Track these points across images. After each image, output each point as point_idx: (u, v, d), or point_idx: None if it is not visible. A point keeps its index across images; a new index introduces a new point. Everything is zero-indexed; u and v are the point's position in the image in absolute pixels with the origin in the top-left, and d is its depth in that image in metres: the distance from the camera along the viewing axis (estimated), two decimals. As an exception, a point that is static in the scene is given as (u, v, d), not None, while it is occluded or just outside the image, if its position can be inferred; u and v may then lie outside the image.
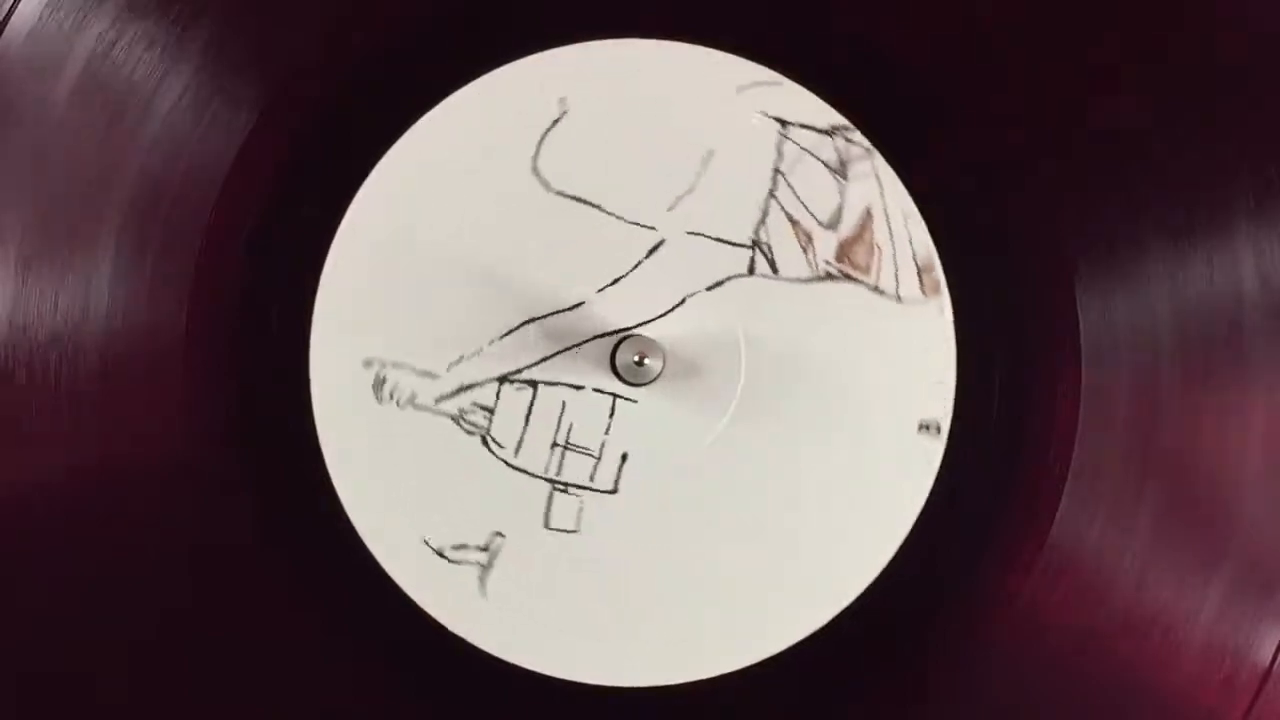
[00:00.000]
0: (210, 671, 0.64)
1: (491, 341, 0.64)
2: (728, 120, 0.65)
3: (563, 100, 0.64)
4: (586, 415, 0.64)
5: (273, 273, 0.64)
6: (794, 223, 0.64)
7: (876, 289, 0.65)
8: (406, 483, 0.64)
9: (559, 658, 0.64)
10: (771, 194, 0.64)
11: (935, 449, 0.65)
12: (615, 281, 0.64)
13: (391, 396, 0.64)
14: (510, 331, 0.64)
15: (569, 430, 0.64)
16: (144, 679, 0.64)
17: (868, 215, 0.64)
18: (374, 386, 0.64)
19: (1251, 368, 0.65)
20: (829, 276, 0.64)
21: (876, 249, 0.64)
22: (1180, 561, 0.65)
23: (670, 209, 0.64)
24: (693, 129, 0.65)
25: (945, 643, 0.65)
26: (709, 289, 0.65)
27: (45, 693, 0.64)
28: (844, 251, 0.64)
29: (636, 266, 0.64)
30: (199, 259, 0.64)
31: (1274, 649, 0.65)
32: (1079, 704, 0.65)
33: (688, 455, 0.64)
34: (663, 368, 0.64)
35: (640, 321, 0.64)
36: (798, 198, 0.64)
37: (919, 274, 0.64)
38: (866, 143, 0.64)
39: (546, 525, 0.64)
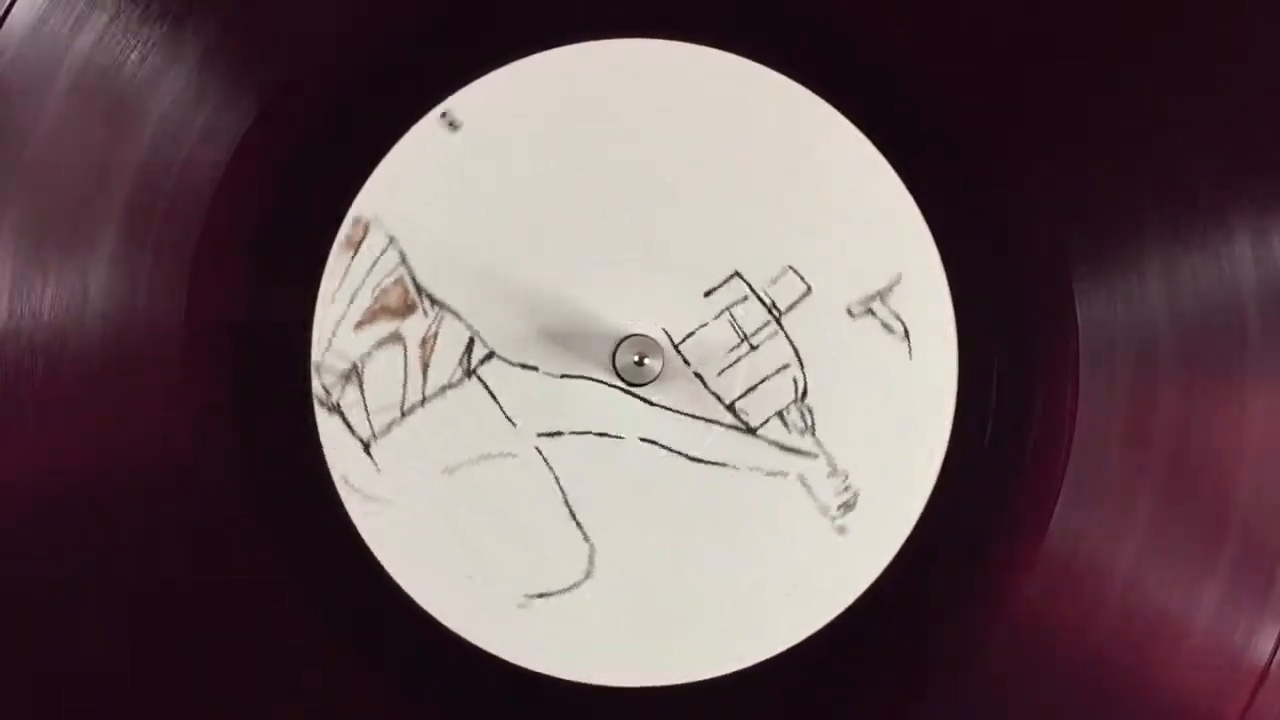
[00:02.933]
0: (210, 671, 0.64)
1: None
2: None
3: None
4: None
5: (272, 273, 0.64)
6: None
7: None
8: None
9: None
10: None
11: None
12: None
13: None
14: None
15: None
16: (144, 678, 0.64)
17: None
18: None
19: (1250, 368, 0.65)
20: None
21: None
22: (1178, 561, 0.65)
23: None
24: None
25: (945, 643, 0.65)
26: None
27: (45, 692, 0.64)
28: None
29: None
30: (197, 258, 0.64)
31: (1271, 648, 0.65)
32: (1078, 704, 0.65)
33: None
34: (663, 367, 0.64)
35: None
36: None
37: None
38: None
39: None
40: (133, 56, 0.64)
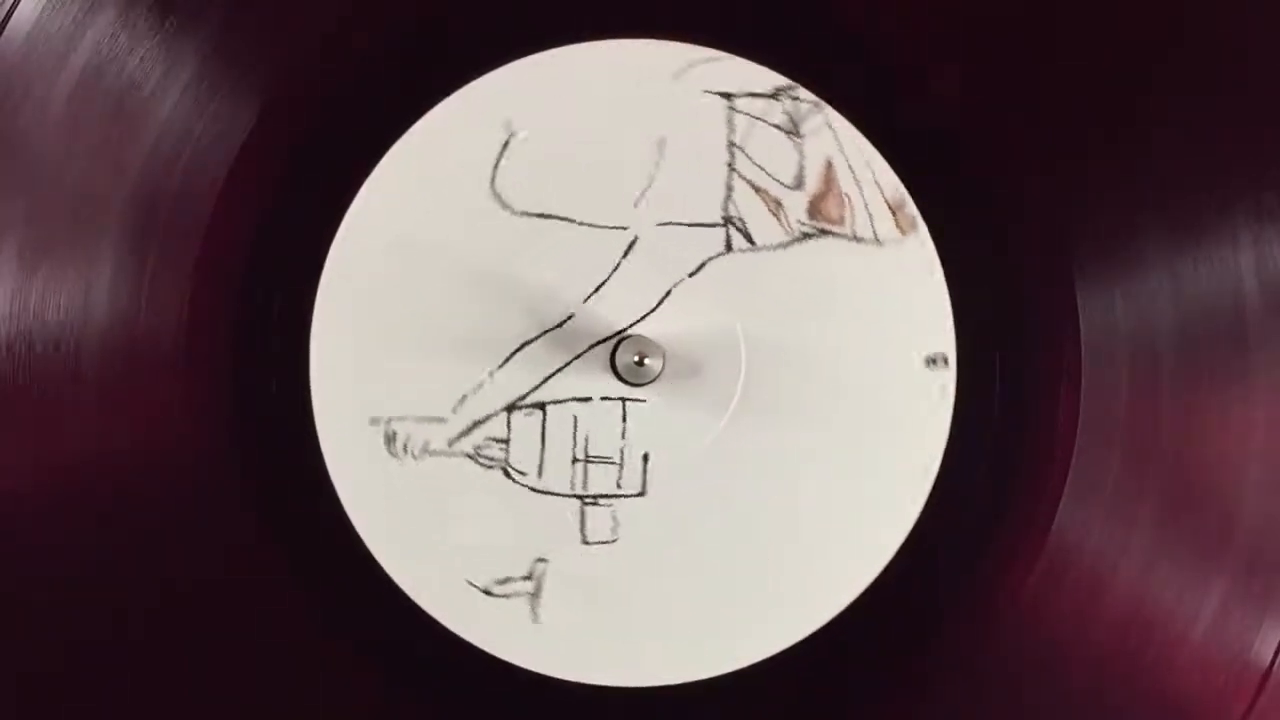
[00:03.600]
0: (210, 671, 0.64)
1: (490, 372, 0.64)
2: (674, 106, 0.65)
3: (508, 121, 0.64)
4: (600, 425, 0.64)
5: (273, 273, 0.64)
6: (759, 191, 0.64)
7: (854, 237, 0.64)
8: (435, 529, 0.64)
9: (559, 659, 0.64)
10: (731, 168, 0.64)
11: (936, 449, 0.65)
12: (599, 288, 0.64)
13: (405, 449, 0.64)
14: (507, 359, 0.64)
15: (586, 443, 0.64)
16: (144, 678, 0.64)
17: (829, 167, 0.64)
18: (386, 442, 0.64)
19: (1252, 367, 0.65)
20: (805, 236, 0.64)
21: (846, 199, 0.64)
22: (1180, 561, 0.65)
23: (636, 205, 0.64)
24: (641, 122, 0.64)
25: (945, 642, 0.65)
26: (691, 275, 0.65)
27: (45, 691, 0.64)
28: (815, 208, 0.64)
29: (616, 269, 0.64)
30: (199, 259, 0.64)
31: (1274, 649, 0.65)
32: (1078, 704, 0.65)
33: (688, 455, 0.64)
34: (663, 367, 0.64)
35: (632, 320, 0.64)
36: (758, 166, 0.64)
37: (893, 214, 0.64)
38: (813, 97, 0.64)
39: (584, 541, 0.64)
40: (135, 59, 0.64)
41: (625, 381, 0.64)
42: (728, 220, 0.64)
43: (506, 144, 0.64)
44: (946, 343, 0.65)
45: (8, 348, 0.63)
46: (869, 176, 0.64)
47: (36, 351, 0.63)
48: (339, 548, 0.64)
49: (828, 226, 0.64)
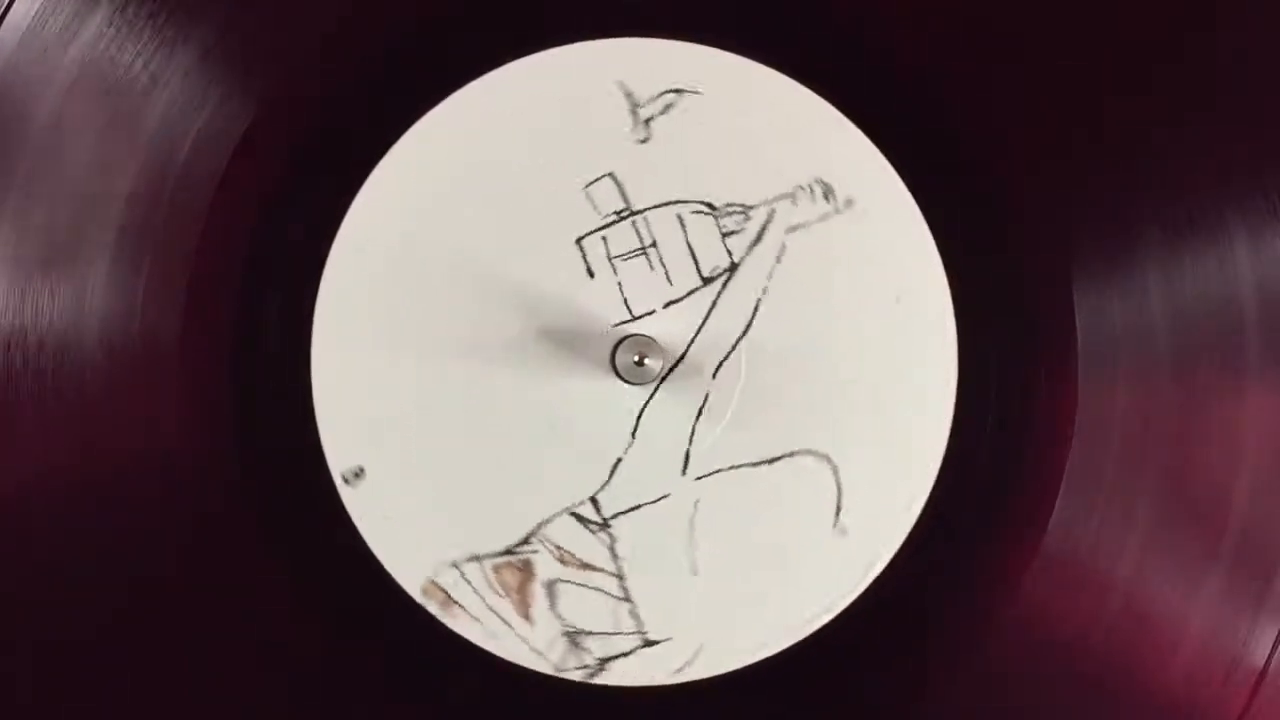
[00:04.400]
0: (209, 670, 0.64)
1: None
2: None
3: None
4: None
5: (272, 273, 0.64)
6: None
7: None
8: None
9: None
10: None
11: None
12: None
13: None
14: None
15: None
16: (144, 678, 0.64)
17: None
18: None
19: (1248, 367, 0.65)
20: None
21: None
22: (1177, 560, 0.65)
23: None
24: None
25: (945, 642, 0.65)
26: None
27: (45, 691, 0.64)
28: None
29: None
30: (197, 259, 0.64)
31: (1269, 648, 0.65)
32: (1076, 703, 0.65)
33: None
34: (662, 367, 0.64)
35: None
36: None
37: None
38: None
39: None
40: (131, 58, 0.64)
41: (625, 381, 0.64)
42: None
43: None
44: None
45: (5, 349, 0.63)
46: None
47: (33, 352, 0.63)
48: (339, 547, 0.64)
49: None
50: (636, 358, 0.63)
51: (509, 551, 0.64)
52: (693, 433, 0.65)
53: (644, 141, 0.65)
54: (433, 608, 0.64)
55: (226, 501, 0.64)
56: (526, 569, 0.64)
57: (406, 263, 0.64)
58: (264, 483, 0.64)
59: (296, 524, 0.64)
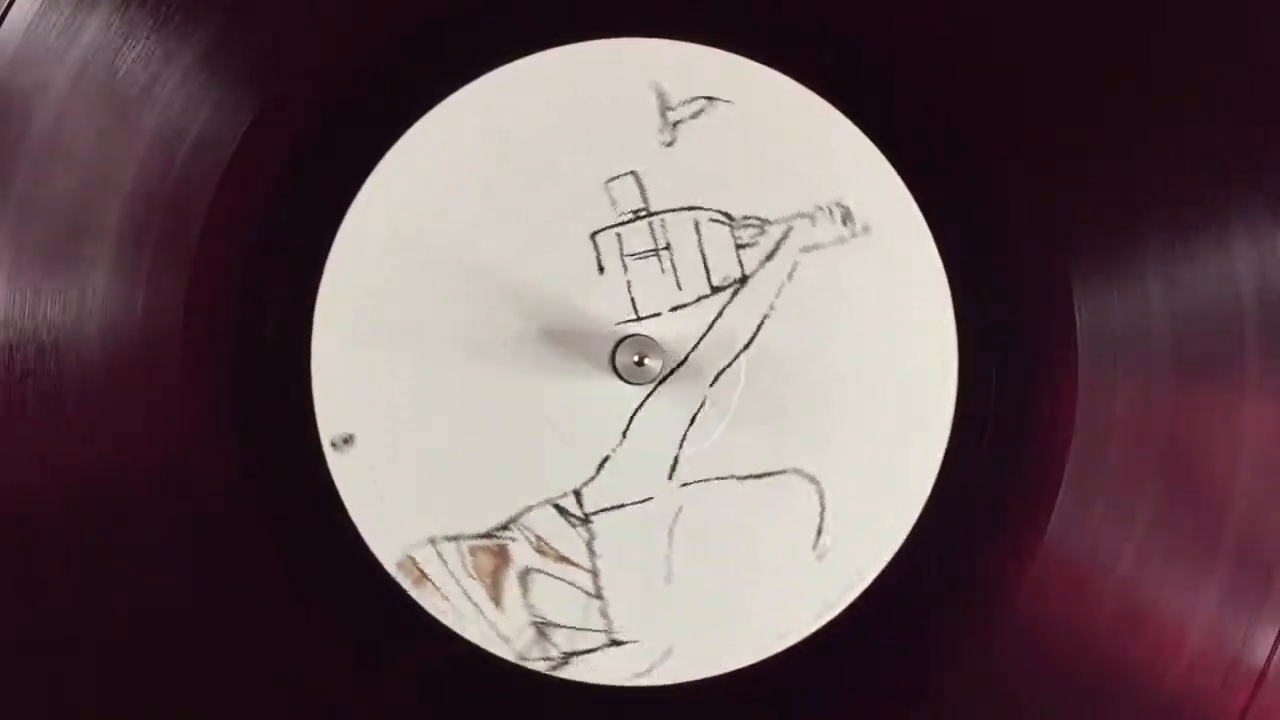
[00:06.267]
0: (209, 670, 0.64)
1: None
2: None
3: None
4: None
5: (273, 273, 0.64)
6: None
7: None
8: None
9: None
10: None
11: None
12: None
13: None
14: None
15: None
16: (144, 677, 0.64)
17: None
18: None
19: (1248, 366, 0.65)
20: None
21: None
22: (1177, 560, 0.65)
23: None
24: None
25: (944, 642, 0.65)
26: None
27: (44, 691, 0.64)
28: None
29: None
30: (197, 258, 0.64)
31: (1270, 647, 0.65)
32: (1076, 702, 0.65)
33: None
34: (662, 369, 0.64)
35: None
36: None
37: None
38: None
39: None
40: (131, 57, 0.64)
41: (624, 380, 0.64)
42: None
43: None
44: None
45: (5, 349, 0.63)
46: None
47: (34, 352, 0.63)
48: (339, 547, 0.64)
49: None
50: (636, 358, 0.63)
51: (488, 535, 0.64)
52: (684, 439, 0.65)
53: (670, 145, 0.65)
54: (406, 583, 0.64)
55: (226, 501, 0.64)
56: (502, 555, 0.64)
57: (408, 261, 0.64)
58: (264, 483, 0.64)
59: (296, 524, 0.64)
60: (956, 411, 0.65)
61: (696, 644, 0.64)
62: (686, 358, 0.65)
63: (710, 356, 0.65)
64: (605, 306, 0.64)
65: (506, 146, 0.64)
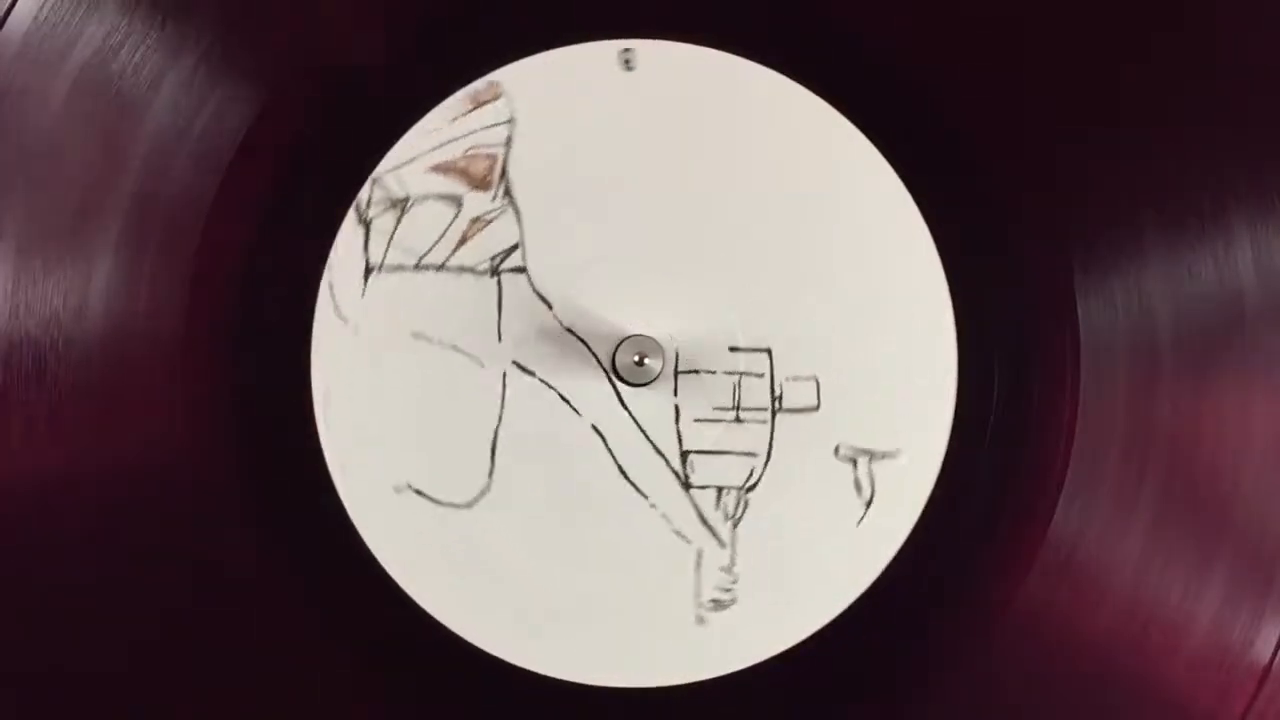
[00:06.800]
0: (210, 670, 0.64)
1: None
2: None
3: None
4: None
5: (273, 273, 0.64)
6: None
7: None
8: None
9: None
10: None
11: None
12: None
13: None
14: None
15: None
16: (144, 679, 0.64)
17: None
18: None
19: (1250, 367, 0.65)
20: None
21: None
22: (1179, 561, 0.65)
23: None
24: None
25: (945, 643, 0.65)
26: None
27: (44, 691, 0.64)
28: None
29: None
30: (198, 258, 0.64)
31: (1272, 648, 0.65)
32: (1077, 704, 0.65)
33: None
34: (663, 368, 0.64)
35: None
36: None
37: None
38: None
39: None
40: (134, 56, 0.64)
41: (625, 381, 0.64)
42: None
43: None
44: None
45: (6, 348, 0.63)
46: None
47: (34, 352, 0.63)
48: (339, 547, 0.64)
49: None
50: (636, 358, 0.64)
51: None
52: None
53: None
54: None
55: (226, 501, 0.64)
56: None
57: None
58: (264, 483, 0.64)
59: (296, 524, 0.64)
60: (956, 411, 0.65)
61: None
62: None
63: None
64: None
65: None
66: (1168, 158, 0.66)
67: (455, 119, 0.64)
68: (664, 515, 0.64)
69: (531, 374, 0.64)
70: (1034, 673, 0.65)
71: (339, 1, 0.65)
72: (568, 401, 0.64)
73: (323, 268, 0.64)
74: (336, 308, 0.64)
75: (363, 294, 0.64)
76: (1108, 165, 0.66)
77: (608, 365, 0.64)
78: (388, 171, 0.64)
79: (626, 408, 0.64)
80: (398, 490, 0.64)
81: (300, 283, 0.64)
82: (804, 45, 0.65)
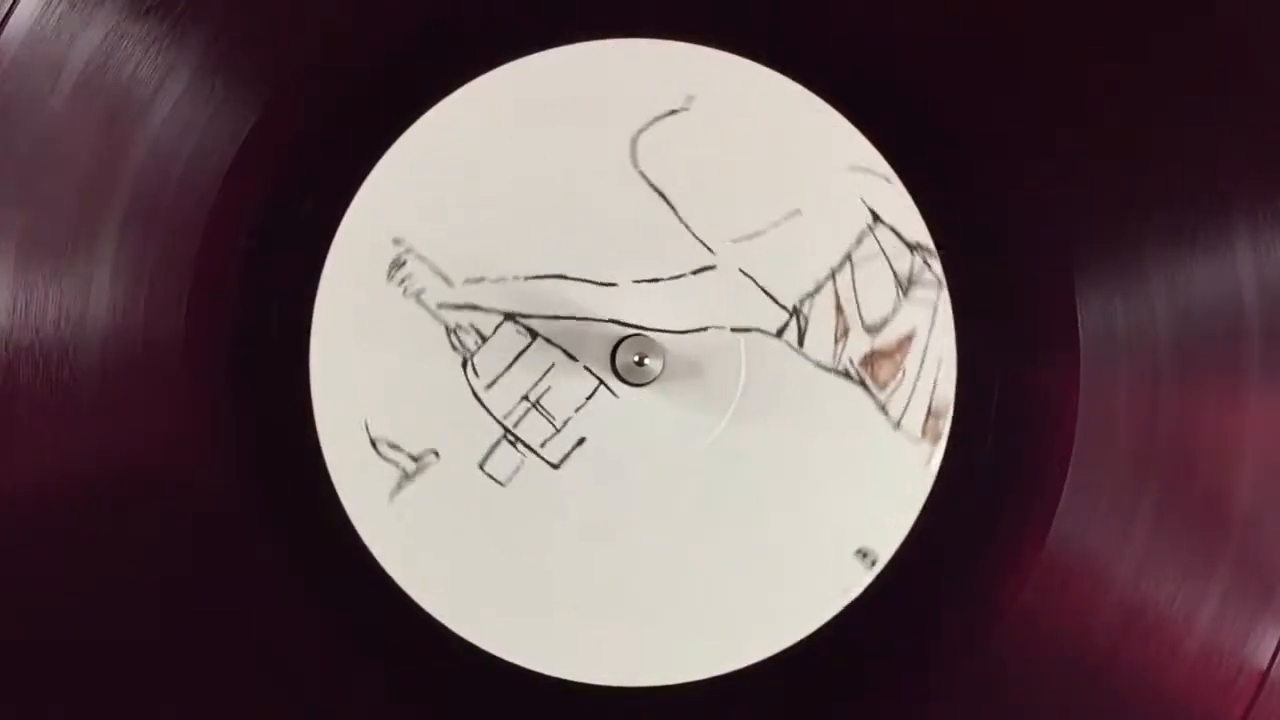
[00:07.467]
0: (210, 670, 0.64)
1: (516, 277, 0.64)
2: (826, 188, 0.65)
3: (689, 97, 0.64)
4: (567, 386, 0.64)
5: (273, 273, 0.64)
6: (840, 310, 0.64)
7: (882, 408, 0.65)
8: (374, 370, 0.64)
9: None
10: (833, 274, 0.64)
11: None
12: (653, 281, 0.64)
13: (402, 282, 0.63)
14: (539, 277, 0.64)
15: (545, 391, 0.64)
16: (144, 678, 0.64)
17: (909, 339, 0.64)
18: (391, 266, 0.63)
19: (1250, 367, 0.65)
20: (846, 375, 0.64)
21: (901, 372, 0.64)
22: (1179, 563, 0.65)
23: (735, 241, 0.64)
24: (791, 179, 0.65)
25: (945, 643, 0.65)
26: (734, 330, 0.64)
27: (44, 691, 0.64)
28: (871, 360, 0.64)
29: (678, 277, 0.64)
30: (198, 259, 0.64)
31: (1272, 651, 0.65)
32: (1077, 705, 0.65)
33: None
34: (663, 368, 0.64)
35: (656, 327, 0.64)
36: (855, 290, 0.64)
37: (927, 417, 0.64)
38: (941, 274, 0.64)
39: (481, 466, 0.64)
40: (134, 58, 0.64)
41: (625, 381, 0.64)
42: (795, 312, 0.64)
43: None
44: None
45: (7, 349, 0.63)
46: (933, 372, 0.64)
47: (35, 354, 0.63)
48: (339, 547, 0.64)
49: (869, 382, 0.64)
50: (636, 358, 0.63)
51: None
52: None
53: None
54: None
55: (226, 501, 0.64)
56: None
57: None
58: (264, 483, 0.64)
59: (296, 524, 0.64)
60: (956, 412, 0.65)
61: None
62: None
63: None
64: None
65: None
66: (1168, 158, 0.65)
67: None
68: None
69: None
70: (1033, 674, 0.65)
71: (339, 2, 0.65)
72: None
73: (322, 268, 0.64)
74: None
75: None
76: (1108, 166, 0.66)
77: (608, 365, 0.64)
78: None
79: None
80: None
81: (300, 283, 0.64)
82: (804, 45, 0.65)
